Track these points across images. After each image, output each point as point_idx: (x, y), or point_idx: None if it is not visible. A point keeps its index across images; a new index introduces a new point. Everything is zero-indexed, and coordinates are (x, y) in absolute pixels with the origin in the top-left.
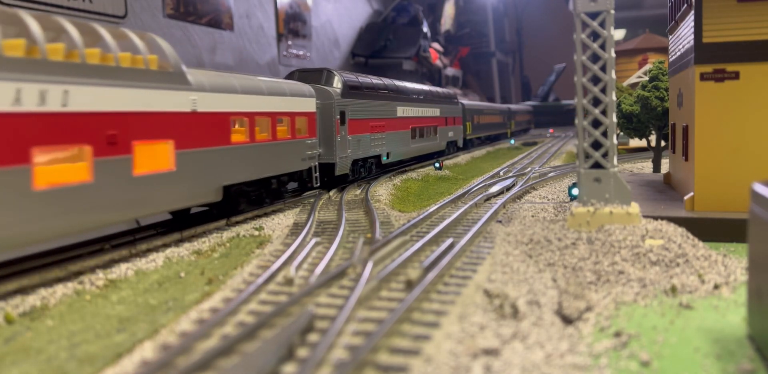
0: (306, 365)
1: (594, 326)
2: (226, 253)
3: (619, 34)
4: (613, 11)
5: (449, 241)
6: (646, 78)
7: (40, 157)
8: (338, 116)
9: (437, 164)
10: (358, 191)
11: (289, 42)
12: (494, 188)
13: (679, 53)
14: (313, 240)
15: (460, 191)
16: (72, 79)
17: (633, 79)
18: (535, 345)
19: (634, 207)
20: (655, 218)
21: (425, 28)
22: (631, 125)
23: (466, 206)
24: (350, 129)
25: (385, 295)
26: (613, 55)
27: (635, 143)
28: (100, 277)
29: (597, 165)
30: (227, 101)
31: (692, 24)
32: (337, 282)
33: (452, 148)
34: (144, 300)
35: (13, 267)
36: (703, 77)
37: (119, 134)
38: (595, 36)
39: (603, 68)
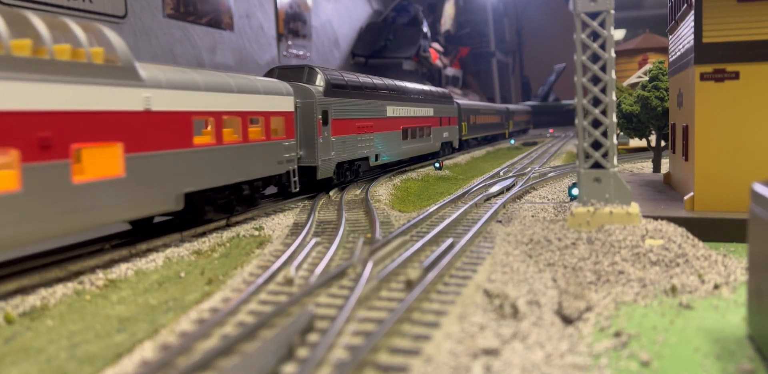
0: (306, 365)
1: (594, 326)
2: (226, 253)
3: (619, 34)
4: (613, 11)
5: (449, 241)
6: (646, 78)
7: None
8: (320, 116)
9: (437, 164)
10: (358, 191)
11: (289, 42)
12: (494, 188)
13: (679, 53)
14: (313, 240)
15: (460, 191)
16: None
17: (633, 79)
18: (535, 345)
19: (634, 207)
20: (655, 218)
21: (425, 28)
22: (631, 125)
23: (466, 206)
24: (334, 130)
25: (385, 295)
26: (613, 55)
27: (635, 143)
28: (100, 277)
29: (597, 165)
30: (188, 99)
31: (692, 24)
32: (337, 282)
33: (447, 149)
34: (144, 300)
35: (13, 267)
36: (703, 77)
37: (54, 137)
38: (595, 36)
39: (603, 68)
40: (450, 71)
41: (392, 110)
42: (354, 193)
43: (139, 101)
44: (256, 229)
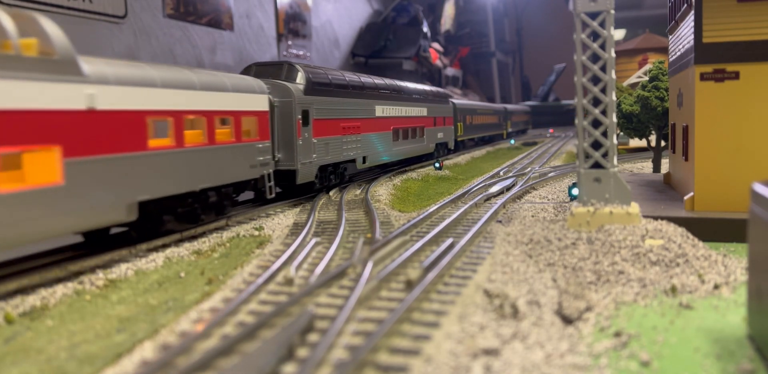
0: (306, 365)
1: (594, 326)
2: (226, 253)
3: (619, 34)
4: (613, 11)
5: (449, 241)
6: (646, 78)
7: None
8: (300, 116)
9: (437, 164)
10: (358, 191)
11: (289, 42)
12: (494, 188)
13: (679, 53)
14: (313, 240)
15: (460, 191)
16: None
17: (633, 79)
18: (535, 345)
19: (634, 207)
20: (655, 218)
21: (425, 28)
22: (631, 125)
23: (466, 206)
24: (315, 131)
25: (385, 295)
26: (613, 55)
27: (635, 143)
28: (100, 277)
29: (597, 165)
30: (142, 96)
31: (692, 24)
32: (337, 282)
33: (442, 150)
34: (144, 300)
35: (13, 267)
36: (703, 77)
37: None
38: (595, 36)
39: (603, 68)
40: (450, 71)
41: (382, 110)
42: (354, 193)
43: (80, 98)
44: (256, 229)
